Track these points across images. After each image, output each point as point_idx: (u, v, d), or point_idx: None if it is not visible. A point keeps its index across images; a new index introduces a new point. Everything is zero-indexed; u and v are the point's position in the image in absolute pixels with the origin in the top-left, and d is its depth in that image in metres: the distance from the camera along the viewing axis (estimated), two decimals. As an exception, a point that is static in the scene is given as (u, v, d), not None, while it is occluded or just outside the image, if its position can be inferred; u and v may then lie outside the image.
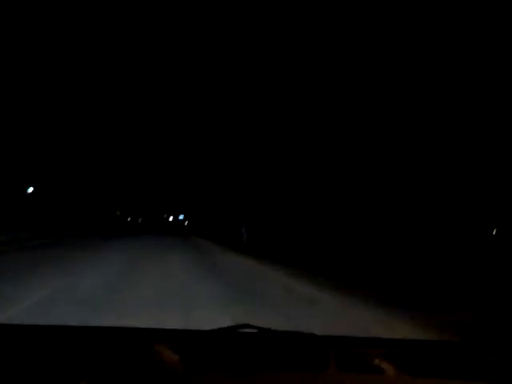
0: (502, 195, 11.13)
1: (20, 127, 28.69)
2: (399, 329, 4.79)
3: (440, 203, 12.82)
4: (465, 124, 11.84)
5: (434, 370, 1.17)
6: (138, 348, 1.26)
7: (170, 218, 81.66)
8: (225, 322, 1.75)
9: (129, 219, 63.10)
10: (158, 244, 19.80)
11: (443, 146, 12.61)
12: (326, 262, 11.49)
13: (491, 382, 1.12)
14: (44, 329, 1.41)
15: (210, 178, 45.44)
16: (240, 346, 1.31)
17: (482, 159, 11.64)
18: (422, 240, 12.49)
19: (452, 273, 9.15)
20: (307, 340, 1.37)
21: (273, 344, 1.33)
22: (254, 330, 1.38)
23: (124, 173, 52.38)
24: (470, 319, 5.31)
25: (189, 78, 34.63)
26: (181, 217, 58.69)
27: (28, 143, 30.11)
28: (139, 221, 78.84)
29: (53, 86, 30.80)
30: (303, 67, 18.35)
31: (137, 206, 73.46)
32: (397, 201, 13.95)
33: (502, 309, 5.91)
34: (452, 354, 1.33)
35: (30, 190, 32.93)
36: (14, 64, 25.89)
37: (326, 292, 7.21)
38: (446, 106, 12.26)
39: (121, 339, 1.35)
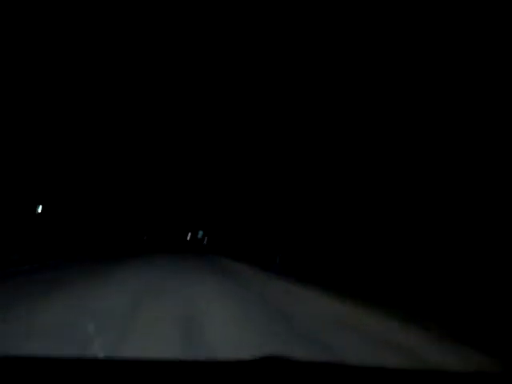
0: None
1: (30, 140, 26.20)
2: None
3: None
4: (463, 123, 11.40)
5: None
6: (155, 381, 1.22)
7: (188, 237, 78.78)
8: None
9: (145, 238, 60.27)
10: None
11: (443, 145, 12.07)
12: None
13: None
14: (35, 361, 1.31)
15: (230, 192, 43.07)
16: (271, 380, 1.27)
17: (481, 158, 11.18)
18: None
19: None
20: (338, 371, 1.36)
21: (306, 377, 1.30)
22: (285, 362, 1.37)
23: (136, 187, 50.00)
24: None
25: (199, 87, 34.08)
26: (199, 234, 55.48)
27: (36, 158, 28.01)
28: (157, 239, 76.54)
29: (62, 98, 28.96)
30: (303, 68, 17.99)
31: (155, 226, 70.90)
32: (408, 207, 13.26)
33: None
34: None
35: (39, 209, 30.54)
36: (15, 67, 24.66)
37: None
38: (443, 104, 11.75)
39: (138, 372, 1.29)
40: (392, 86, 13.72)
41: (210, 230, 56.72)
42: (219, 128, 35.88)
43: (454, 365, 4.60)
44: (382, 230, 15.03)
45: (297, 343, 4.94)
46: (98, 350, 3.78)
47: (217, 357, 3.39)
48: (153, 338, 4.36)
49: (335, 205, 18.40)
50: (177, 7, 25.42)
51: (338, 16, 15.56)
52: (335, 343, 5.11)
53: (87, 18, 26.07)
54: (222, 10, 22.53)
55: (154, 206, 62.87)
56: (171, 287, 8.97)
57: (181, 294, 8.09)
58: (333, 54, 16.07)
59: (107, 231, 38.97)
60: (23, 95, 24.99)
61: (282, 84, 22.61)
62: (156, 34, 30.16)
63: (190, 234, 79.11)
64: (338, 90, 16.07)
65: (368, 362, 3.80)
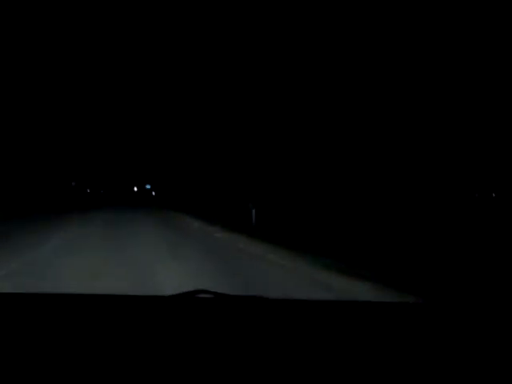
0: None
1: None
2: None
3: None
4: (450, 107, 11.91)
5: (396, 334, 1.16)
6: (90, 315, 1.25)
7: (135, 189, 75.87)
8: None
9: (88, 191, 56.69)
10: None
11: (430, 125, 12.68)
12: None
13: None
14: None
15: (181, 141, 40.59)
16: (196, 312, 1.32)
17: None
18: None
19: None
20: (262, 304, 1.42)
21: (229, 309, 1.36)
22: (211, 296, 1.41)
23: (79, 139, 46.37)
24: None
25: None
26: (147, 186, 53.05)
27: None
28: (101, 192, 72.62)
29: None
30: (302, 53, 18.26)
31: (97, 177, 67.07)
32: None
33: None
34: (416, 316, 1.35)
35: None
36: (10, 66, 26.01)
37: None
38: (432, 89, 12.28)
39: (72, 306, 1.35)
40: (386, 73, 14.19)
41: (159, 184, 54.57)
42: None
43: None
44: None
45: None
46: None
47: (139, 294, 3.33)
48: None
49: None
50: (177, 7, 26.60)
51: (337, 14, 15.91)
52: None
53: (87, 18, 27.84)
54: (222, 8, 23.36)
55: (106, 161, 59.27)
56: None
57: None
58: (332, 45, 16.43)
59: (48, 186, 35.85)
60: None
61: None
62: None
63: (135, 187, 76.52)
64: (335, 71, 16.60)
65: (293, 295, 3.79)
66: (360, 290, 5.06)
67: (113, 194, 59.04)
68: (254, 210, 12.91)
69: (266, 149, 21.53)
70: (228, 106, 25.93)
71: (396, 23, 13.13)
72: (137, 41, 38.18)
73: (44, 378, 0.84)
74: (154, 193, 53.81)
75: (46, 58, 31.79)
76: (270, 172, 20.94)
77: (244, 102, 23.68)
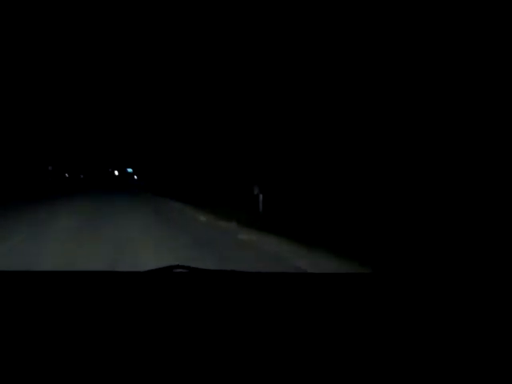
0: None
1: None
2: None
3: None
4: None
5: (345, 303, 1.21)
6: (68, 291, 1.26)
7: (116, 173, 73.30)
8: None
9: (66, 175, 54.04)
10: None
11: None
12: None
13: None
14: None
15: (161, 121, 38.23)
16: (172, 287, 1.35)
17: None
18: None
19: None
20: (236, 277, 1.47)
21: (204, 283, 1.39)
22: (186, 270, 1.44)
23: (56, 121, 43.78)
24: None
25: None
26: (129, 170, 50.79)
27: None
28: (81, 177, 69.86)
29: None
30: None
31: (76, 161, 64.27)
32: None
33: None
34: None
35: None
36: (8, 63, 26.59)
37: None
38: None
39: (47, 284, 1.34)
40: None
41: (141, 167, 52.39)
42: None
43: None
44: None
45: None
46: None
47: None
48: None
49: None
50: (176, 6, 26.30)
51: (336, 10, 15.84)
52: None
53: (87, 18, 28.30)
54: (222, 8, 23.34)
55: (85, 144, 56.55)
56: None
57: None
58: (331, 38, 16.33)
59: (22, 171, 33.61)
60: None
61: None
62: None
63: (116, 171, 73.91)
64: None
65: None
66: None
67: (93, 178, 56.57)
68: (261, 196, 11.35)
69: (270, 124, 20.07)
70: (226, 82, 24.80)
71: (396, 23, 13.22)
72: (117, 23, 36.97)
73: (19, 356, 0.84)
74: (136, 177, 51.73)
75: (24, 44, 31.36)
76: (275, 152, 19.38)
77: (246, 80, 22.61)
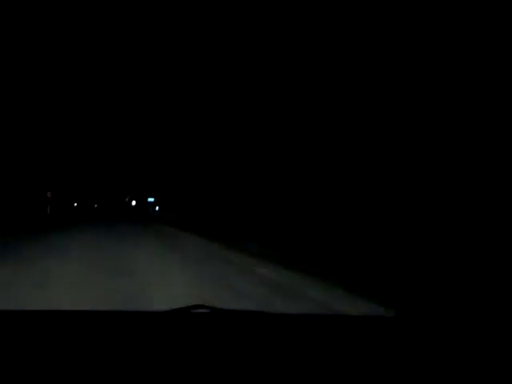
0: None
1: None
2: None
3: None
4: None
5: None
6: (88, 331, 1.23)
7: (133, 203, 65.18)
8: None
9: (75, 204, 45.73)
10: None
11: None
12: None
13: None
14: None
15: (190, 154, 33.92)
16: (194, 327, 1.32)
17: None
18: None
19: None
20: (259, 318, 1.46)
21: (226, 324, 1.36)
22: (207, 311, 1.41)
23: (60, 136, 36.50)
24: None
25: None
26: (150, 200, 42.05)
27: None
28: (95, 206, 62.01)
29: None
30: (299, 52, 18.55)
31: (88, 188, 56.48)
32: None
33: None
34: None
35: None
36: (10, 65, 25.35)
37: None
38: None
39: (66, 323, 1.31)
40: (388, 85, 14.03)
41: (164, 196, 43.89)
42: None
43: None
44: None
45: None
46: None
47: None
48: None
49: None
50: (176, 7, 27.25)
51: (336, 13, 16.04)
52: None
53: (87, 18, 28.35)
54: (222, 9, 24.11)
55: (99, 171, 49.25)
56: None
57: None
58: (330, 42, 16.61)
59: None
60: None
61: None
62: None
63: (134, 201, 65.93)
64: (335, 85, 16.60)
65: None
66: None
67: (105, 209, 48.17)
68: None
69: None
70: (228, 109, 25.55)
71: (396, 23, 13.31)
72: (137, 45, 37.57)
73: None
74: (157, 207, 43.01)
75: (40, 59, 29.98)
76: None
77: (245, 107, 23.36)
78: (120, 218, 31.40)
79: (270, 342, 1.21)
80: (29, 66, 29.01)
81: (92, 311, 1.44)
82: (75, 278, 5.88)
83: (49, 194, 27.10)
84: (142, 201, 52.13)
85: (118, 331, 1.25)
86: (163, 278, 6.28)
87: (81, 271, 6.52)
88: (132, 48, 37.48)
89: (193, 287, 5.68)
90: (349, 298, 5.49)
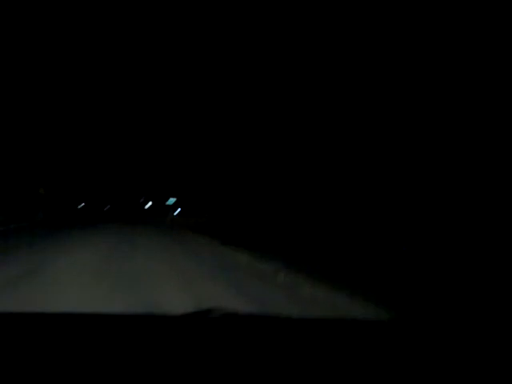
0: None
1: None
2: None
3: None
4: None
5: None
6: (99, 335, 1.19)
7: (149, 204, 58.16)
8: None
9: (81, 205, 38.65)
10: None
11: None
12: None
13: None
14: None
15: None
16: (207, 332, 1.29)
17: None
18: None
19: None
20: (272, 323, 1.44)
21: (240, 328, 1.34)
22: (223, 314, 1.38)
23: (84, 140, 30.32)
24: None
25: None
26: (171, 200, 34.99)
27: None
28: (106, 208, 55.23)
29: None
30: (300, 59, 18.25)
31: (102, 188, 49.68)
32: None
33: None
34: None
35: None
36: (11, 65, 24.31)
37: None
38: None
39: (80, 327, 1.27)
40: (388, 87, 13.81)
41: (187, 196, 36.55)
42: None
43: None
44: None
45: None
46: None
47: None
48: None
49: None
50: (176, 7, 26.20)
51: (336, 13, 15.64)
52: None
53: (87, 18, 26.91)
54: (222, 9, 23.13)
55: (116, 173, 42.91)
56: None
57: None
58: (331, 47, 16.24)
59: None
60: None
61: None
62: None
63: (150, 202, 58.98)
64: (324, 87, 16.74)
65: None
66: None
67: (113, 211, 41.18)
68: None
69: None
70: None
71: (396, 23, 13.05)
72: (148, 43, 33.81)
73: None
74: (179, 209, 35.78)
75: (41, 60, 27.78)
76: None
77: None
78: (135, 221, 24.77)
79: (281, 346, 1.19)
80: (29, 62, 27.11)
81: (102, 315, 1.39)
82: None
83: (41, 191, 19.72)
84: (159, 202, 44.93)
85: (128, 335, 1.20)
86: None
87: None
88: (145, 47, 34.37)
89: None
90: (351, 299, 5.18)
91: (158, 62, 36.01)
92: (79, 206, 37.86)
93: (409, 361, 1.10)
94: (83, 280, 5.86)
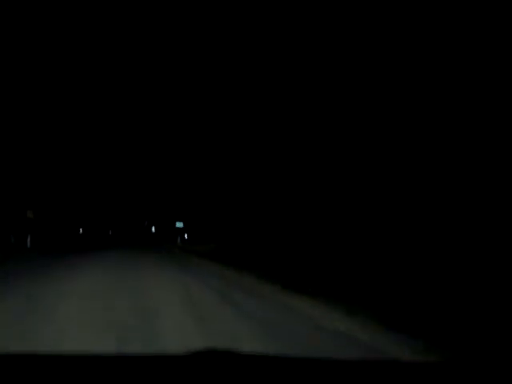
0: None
1: None
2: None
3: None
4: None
5: None
6: (99, 379, 1.14)
7: (153, 229, 55.38)
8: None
9: (81, 231, 35.90)
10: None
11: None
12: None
13: None
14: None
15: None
16: (207, 373, 1.21)
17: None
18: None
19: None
20: (276, 363, 1.36)
21: (243, 369, 1.27)
22: (224, 355, 1.32)
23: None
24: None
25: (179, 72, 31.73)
26: (179, 224, 32.38)
27: None
28: (109, 233, 52.54)
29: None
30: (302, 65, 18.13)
31: (103, 212, 47.14)
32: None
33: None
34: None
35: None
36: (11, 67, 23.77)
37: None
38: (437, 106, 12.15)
39: (78, 369, 1.20)
40: (389, 88, 13.67)
41: (195, 220, 33.78)
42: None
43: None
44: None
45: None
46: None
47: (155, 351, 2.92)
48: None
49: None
50: (176, 7, 26.27)
51: (336, 14, 15.65)
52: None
53: (87, 18, 26.88)
54: (222, 9, 23.18)
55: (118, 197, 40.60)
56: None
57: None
58: (332, 51, 16.14)
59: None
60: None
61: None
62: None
63: (153, 227, 56.30)
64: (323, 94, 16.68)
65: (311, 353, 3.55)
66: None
67: (118, 236, 38.40)
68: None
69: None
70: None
71: (396, 23, 13.08)
72: (152, 48, 33.78)
73: None
74: (186, 235, 32.92)
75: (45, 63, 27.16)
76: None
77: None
78: (140, 249, 21.93)
79: None
80: (29, 66, 26.25)
81: (104, 357, 1.36)
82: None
83: (29, 214, 16.93)
84: (164, 226, 42.12)
85: (127, 377, 1.17)
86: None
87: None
88: (150, 52, 34.61)
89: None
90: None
91: (159, 78, 35.52)
92: (78, 231, 35.06)
93: None
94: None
